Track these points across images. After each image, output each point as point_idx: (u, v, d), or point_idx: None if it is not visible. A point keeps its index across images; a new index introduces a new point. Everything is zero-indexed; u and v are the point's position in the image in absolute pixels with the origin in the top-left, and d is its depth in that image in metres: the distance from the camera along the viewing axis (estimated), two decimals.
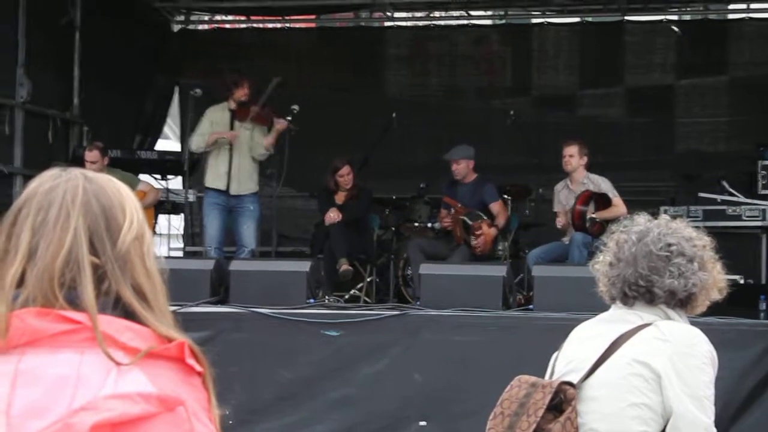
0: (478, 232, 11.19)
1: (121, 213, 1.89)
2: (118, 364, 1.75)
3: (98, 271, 1.84)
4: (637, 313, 3.65)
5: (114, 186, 1.93)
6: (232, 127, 11.38)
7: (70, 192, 1.88)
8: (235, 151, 11.33)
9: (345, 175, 11.66)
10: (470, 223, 11.24)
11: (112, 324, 1.79)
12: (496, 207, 11.46)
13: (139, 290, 1.86)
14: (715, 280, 3.68)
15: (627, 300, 3.67)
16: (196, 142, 11.42)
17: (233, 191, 11.34)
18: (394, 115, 12.65)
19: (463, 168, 11.54)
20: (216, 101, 11.65)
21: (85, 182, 1.90)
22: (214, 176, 11.44)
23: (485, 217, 11.31)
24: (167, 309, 1.90)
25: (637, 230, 3.69)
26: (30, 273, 1.83)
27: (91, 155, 11.33)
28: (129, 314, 1.83)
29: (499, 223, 11.35)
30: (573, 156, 10.96)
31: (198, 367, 1.82)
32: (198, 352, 1.83)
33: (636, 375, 3.54)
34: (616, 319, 3.69)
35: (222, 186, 11.35)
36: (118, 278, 1.84)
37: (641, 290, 3.63)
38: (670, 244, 3.62)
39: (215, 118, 11.42)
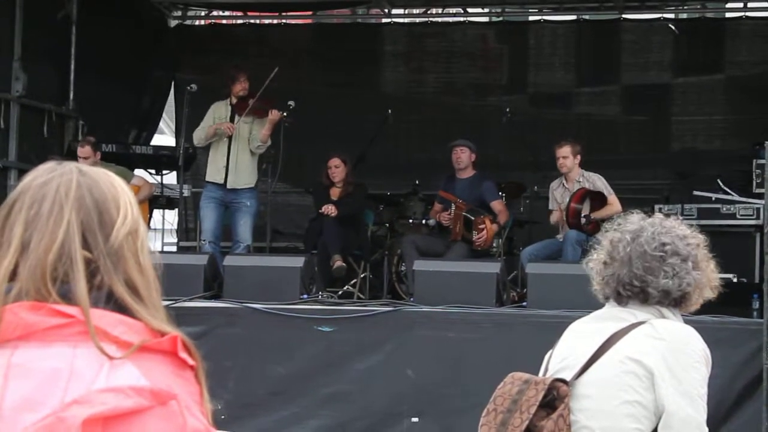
0: (481, 226, 11.11)
1: (114, 208, 1.89)
2: (110, 357, 1.75)
3: (91, 266, 1.83)
4: (631, 311, 3.65)
5: (108, 180, 1.92)
6: (232, 122, 11.38)
7: (64, 186, 1.87)
8: (234, 145, 11.34)
9: (333, 167, 11.62)
10: (473, 218, 11.20)
11: (104, 318, 1.79)
12: (498, 206, 11.39)
13: (131, 285, 1.85)
14: (708, 278, 3.68)
15: (621, 299, 3.67)
16: (197, 136, 11.48)
17: (230, 185, 11.33)
18: (389, 111, 12.65)
19: (466, 157, 11.46)
20: (214, 97, 11.67)
21: (80, 176, 1.89)
22: (213, 170, 11.46)
23: (486, 213, 11.27)
24: (160, 304, 1.89)
25: (631, 229, 3.68)
26: (23, 266, 1.82)
27: (83, 151, 11.33)
28: (122, 308, 1.83)
29: (500, 221, 11.31)
30: (567, 157, 10.92)
31: (190, 361, 1.82)
32: (190, 345, 1.83)
33: (629, 373, 3.54)
34: (609, 317, 3.69)
35: (220, 180, 11.36)
36: (110, 273, 1.84)
37: (635, 290, 3.63)
38: (664, 244, 3.62)
39: (218, 114, 11.45)
